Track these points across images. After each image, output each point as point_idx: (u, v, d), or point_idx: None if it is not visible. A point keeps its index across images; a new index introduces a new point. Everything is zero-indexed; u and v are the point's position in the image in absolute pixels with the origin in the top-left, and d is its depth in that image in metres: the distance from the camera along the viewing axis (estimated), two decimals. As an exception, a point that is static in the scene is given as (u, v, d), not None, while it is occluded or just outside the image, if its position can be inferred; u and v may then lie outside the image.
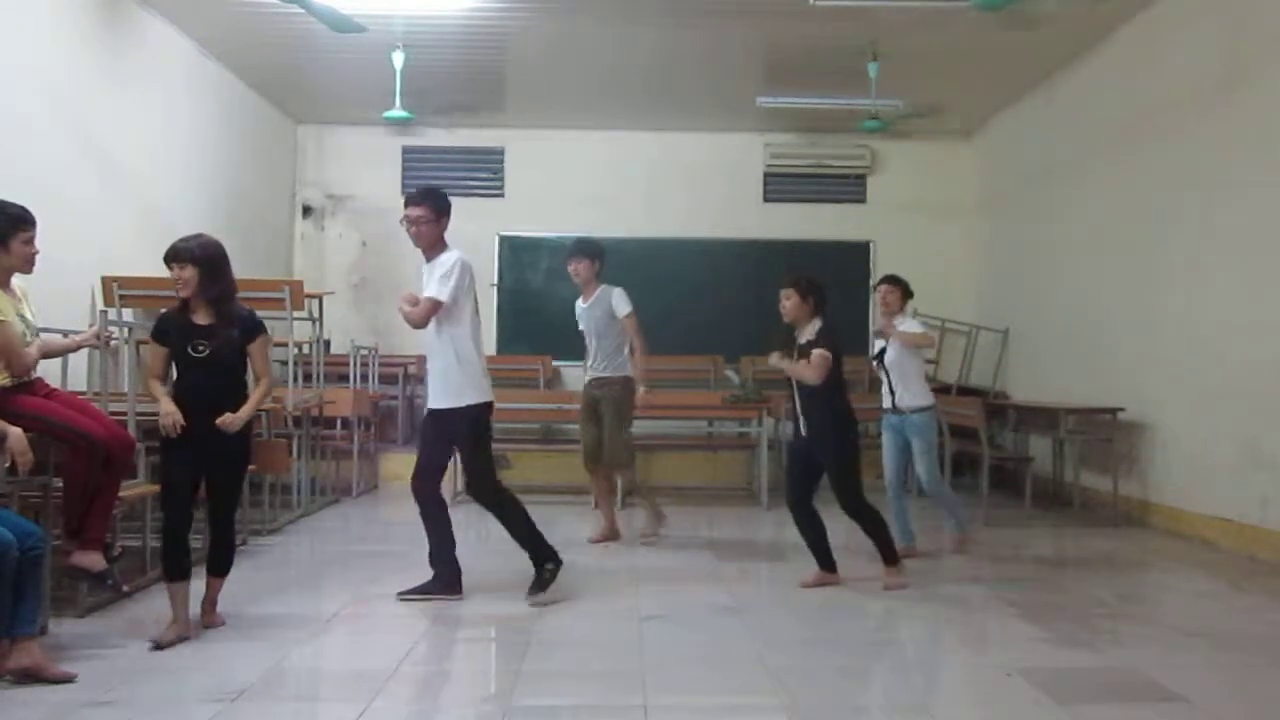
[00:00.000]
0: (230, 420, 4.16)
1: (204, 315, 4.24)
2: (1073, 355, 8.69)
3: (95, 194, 7.07)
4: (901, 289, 6.22)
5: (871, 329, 10.18)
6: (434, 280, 4.79)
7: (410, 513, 8.49)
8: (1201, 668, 3.99)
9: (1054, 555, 6.61)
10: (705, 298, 10.78)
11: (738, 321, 10.44)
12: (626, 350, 6.42)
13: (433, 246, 4.90)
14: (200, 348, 4.17)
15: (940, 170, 11.13)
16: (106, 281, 6.87)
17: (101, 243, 7.05)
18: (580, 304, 6.52)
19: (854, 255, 11.05)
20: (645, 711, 3.40)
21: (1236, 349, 6.48)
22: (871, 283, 10.93)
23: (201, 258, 4.19)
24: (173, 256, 4.21)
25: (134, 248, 7.59)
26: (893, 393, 6.03)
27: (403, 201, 5.00)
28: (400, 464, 9.49)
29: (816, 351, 5.04)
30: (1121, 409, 7.62)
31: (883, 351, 6.13)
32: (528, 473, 9.52)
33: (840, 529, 5.40)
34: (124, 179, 7.50)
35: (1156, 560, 6.41)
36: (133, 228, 7.66)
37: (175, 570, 4.18)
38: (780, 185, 11.27)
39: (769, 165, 11.16)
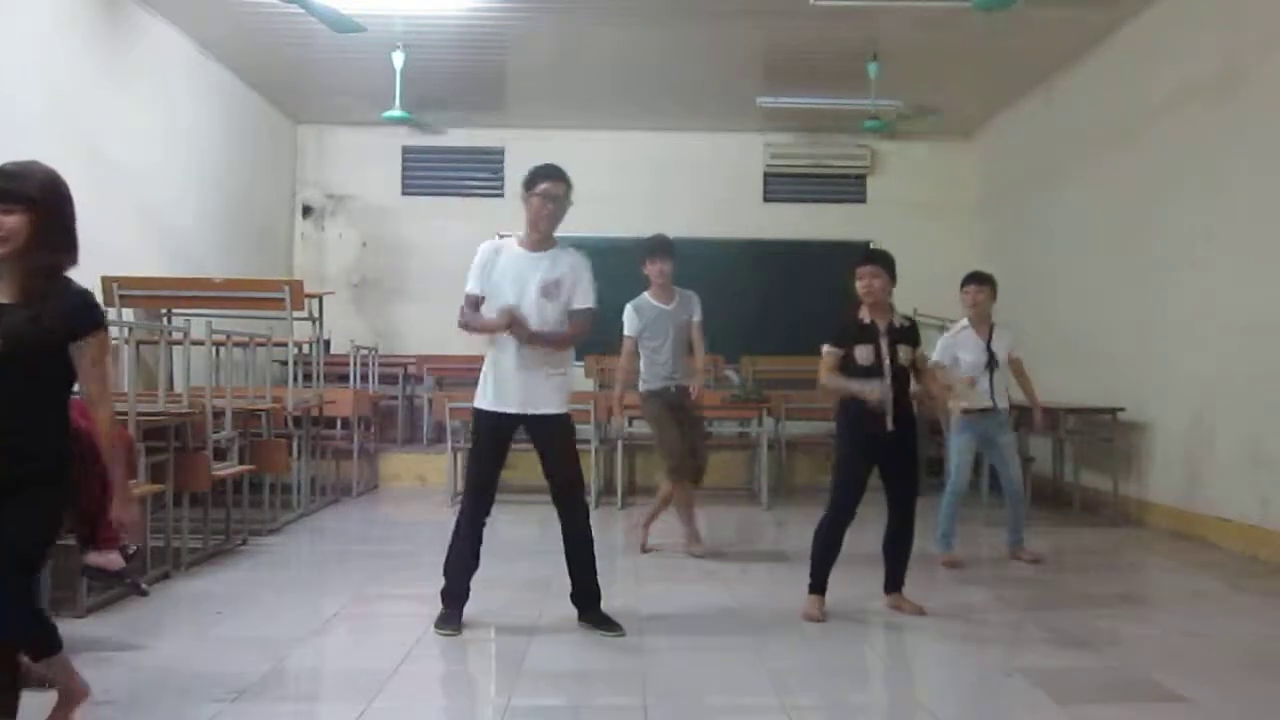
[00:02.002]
0: None
1: (11, 289, 2.75)
2: (1073, 355, 8.69)
3: (95, 194, 7.05)
4: (991, 287, 5.98)
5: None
6: (583, 285, 4.41)
7: (410, 512, 8.52)
8: (1201, 668, 3.98)
9: (1054, 555, 6.60)
10: (705, 298, 10.65)
11: (738, 321, 10.43)
12: None
13: (554, 232, 4.47)
14: None
15: (940, 170, 11.13)
16: (106, 281, 6.87)
17: (101, 243, 7.02)
18: (659, 305, 6.15)
19: (854, 255, 10.91)
20: (645, 712, 3.40)
21: (1236, 349, 6.48)
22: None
23: (42, 197, 2.74)
24: None
25: (134, 248, 7.60)
26: (993, 394, 5.94)
27: (537, 174, 4.41)
28: (400, 464, 9.51)
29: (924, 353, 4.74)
30: (1121, 409, 7.62)
31: (991, 353, 5.94)
32: (528, 473, 9.49)
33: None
34: (124, 179, 7.50)
35: (1156, 560, 6.41)
36: (133, 228, 7.66)
37: None
38: (780, 185, 11.28)
39: (769, 165, 11.16)
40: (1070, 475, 8.14)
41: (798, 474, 9.48)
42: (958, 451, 6.01)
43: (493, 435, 4.40)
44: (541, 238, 4.42)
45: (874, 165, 11.20)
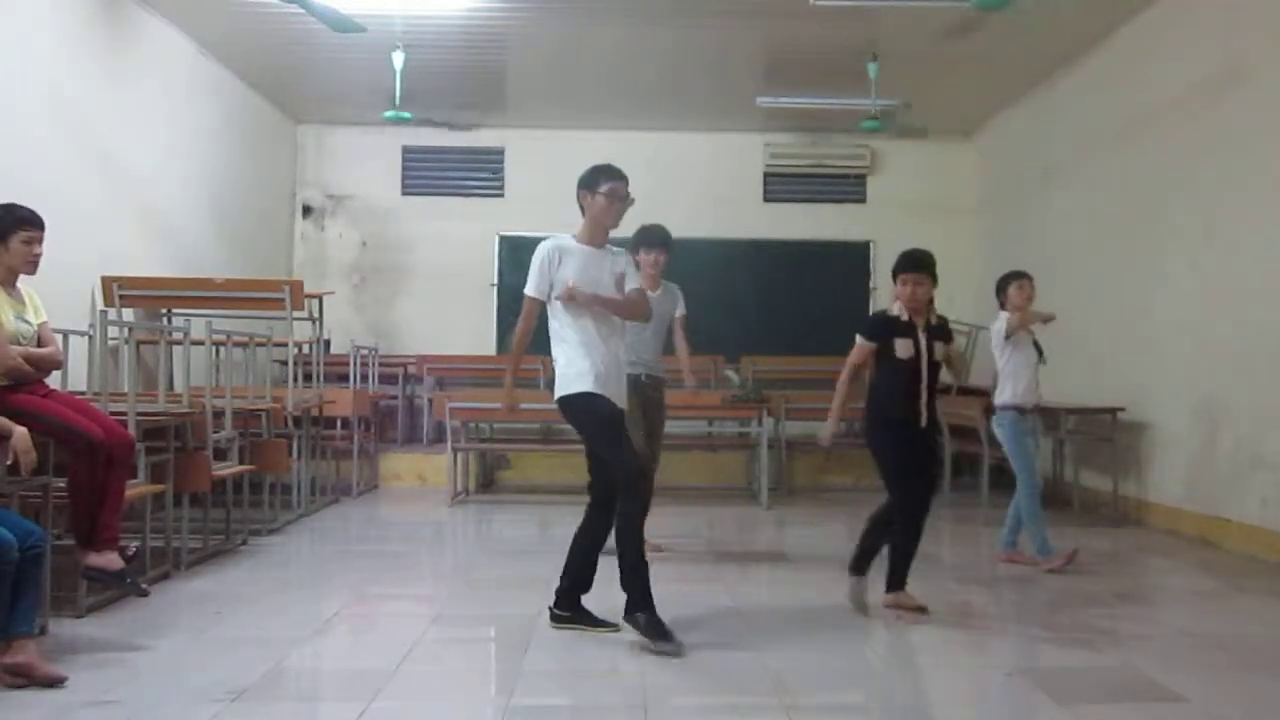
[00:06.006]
0: None
1: None
2: (1073, 355, 8.68)
3: (95, 194, 7.07)
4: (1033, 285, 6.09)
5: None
6: (633, 273, 4.53)
7: (410, 512, 8.50)
8: (1201, 668, 3.98)
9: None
10: (705, 298, 10.64)
11: (738, 321, 10.45)
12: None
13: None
14: None
15: (940, 170, 11.13)
16: (106, 281, 6.86)
17: (102, 243, 7.04)
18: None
19: (854, 255, 11.06)
20: (645, 711, 3.40)
21: (1236, 349, 6.48)
22: (870, 283, 10.97)
23: None
24: None
25: (135, 248, 7.60)
26: (1038, 390, 5.94)
27: (599, 174, 4.44)
28: (400, 464, 9.51)
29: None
30: (1121, 409, 7.62)
31: (1039, 347, 5.99)
32: (528, 472, 9.53)
33: (845, 530, 5.38)
34: (124, 179, 7.50)
35: (1156, 560, 6.41)
36: (133, 228, 7.66)
37: None
38: (780, 185, 11.28)
39: (769, 165, 11.16)
40: (1070, 475, 8.14)
41: (798, 474, 9.47)
42: (1021, 450, 5.90)
43: (614, 420, 4.30)
44: (605, 236, 4.49)
45: (874, 165, 11.20)
